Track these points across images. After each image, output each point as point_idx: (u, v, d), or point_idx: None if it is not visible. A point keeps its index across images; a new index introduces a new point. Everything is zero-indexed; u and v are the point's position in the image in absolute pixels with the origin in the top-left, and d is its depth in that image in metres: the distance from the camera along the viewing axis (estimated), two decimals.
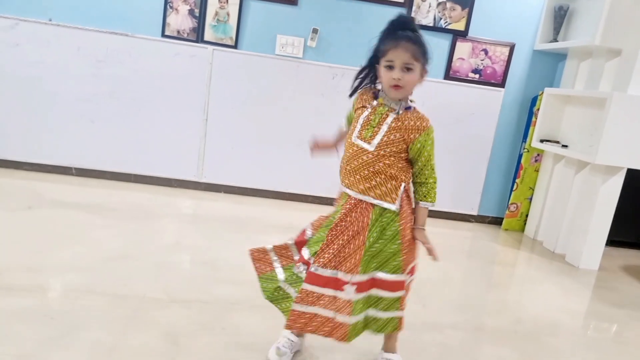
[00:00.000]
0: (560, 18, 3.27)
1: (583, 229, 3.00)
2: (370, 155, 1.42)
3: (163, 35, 3.25)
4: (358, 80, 1.53)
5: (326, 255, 1.40)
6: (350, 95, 1.56)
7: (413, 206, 1.51)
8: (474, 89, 3.44)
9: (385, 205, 1.42)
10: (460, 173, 3.58)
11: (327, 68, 3.35)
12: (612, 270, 3.06)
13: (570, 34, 3.30)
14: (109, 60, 3.25)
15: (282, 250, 1.56)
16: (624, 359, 1.98)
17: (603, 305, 2.51)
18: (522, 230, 3.65)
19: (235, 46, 3.29)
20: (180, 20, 3.24)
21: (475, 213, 3.69)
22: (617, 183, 2.92)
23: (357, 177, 1.43)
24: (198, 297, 1.93)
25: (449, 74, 3.40)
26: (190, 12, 3.23)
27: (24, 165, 3.35)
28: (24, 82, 3.22)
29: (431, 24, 3.30)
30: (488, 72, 3.43)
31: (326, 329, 1.42)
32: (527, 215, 3.62)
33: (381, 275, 1.45)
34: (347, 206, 1.44)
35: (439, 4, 3.29)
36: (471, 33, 3.36)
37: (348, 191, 1.46)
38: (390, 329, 1.51)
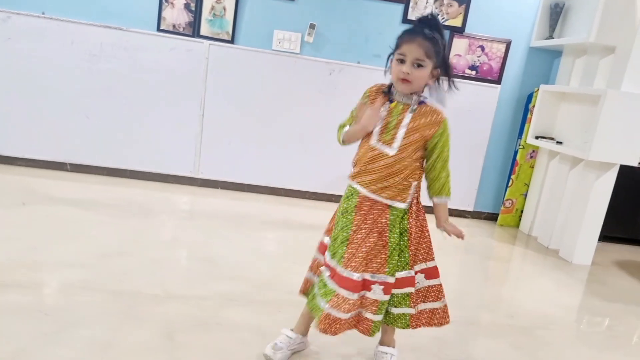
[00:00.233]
0: (556, 15, 3.28)
1: (576, 225, 3.03)
2: (392, 159, 1.42)
3: (158, 29, 3.23)
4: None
5: (357, 260, 1.43)
6: None
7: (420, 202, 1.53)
8: (470, 86, 3.45)
9: (396, 204, 1.45)
10: (457, 169, 3.54)
11: (324, 64, 3.35)
12: (604, 265, 3.10)
13: (566, 31, 3.31)
14: (104, 55, 3.22)
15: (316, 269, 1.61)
16: (616, 352, 2.01)
17: (596, 299, 2.54)
18: (517, 226, 3.67)
19: (231, 41, 3.28)
20: (176, 14, 3.21)
21: (471, 209, 3.71)
22: (610, 179, 2.95)
23: (374, 177, 1.43)
24: (194, 293, 1.94)
25: None
26: (186, 6, 3.21)
27: (17, 160, 3.33)
28: (17, 76, 3.19)
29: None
30: (485, 68, 3.44)
31: (354, 324, 1.49)
32: (522, 211, 3.64)
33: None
34: (364, 207, 1.45)
35: (436, 0, 3.29)
36: (468, 29, 3.36)
37: (361, 189, 1.45)
38: (401, 325, 1.54)
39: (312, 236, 2.84)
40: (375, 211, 1.44)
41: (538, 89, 3.39)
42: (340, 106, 3.57)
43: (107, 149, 3.36)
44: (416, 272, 1.52)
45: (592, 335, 2.15)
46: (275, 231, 2.84)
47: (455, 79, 1.47)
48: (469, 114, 3.49)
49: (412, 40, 1.37)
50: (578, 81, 3.24)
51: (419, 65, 1.38)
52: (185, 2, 3.20)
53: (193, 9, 3.21)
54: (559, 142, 3.25)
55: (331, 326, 1.43)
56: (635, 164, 2.91)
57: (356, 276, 1.42)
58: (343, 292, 1.42)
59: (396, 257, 1.46)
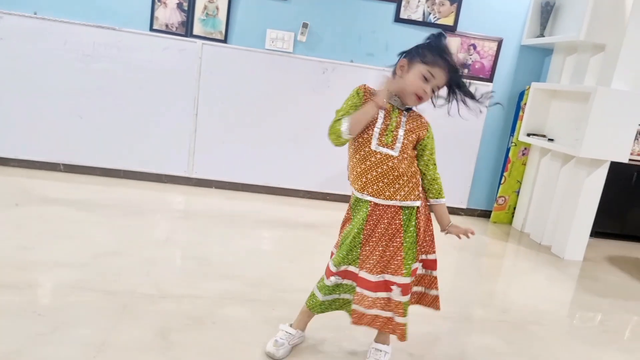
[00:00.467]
0: (546, 13, 3.31)
1: (568, 221, 3.06)
2: (395, 161, 1.45)
3: (151, 29, 3.22)
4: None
5: (371, 262, 1.47)
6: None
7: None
8: None
9: (411, 203, 1.48)
10: (450, 167, 3.61)
11: (318, 63, 3.36)
12: (596, 261, 3.13)
13: (557, 29, 3.34)
14: (97, 55, 3.22)
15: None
16: (608, 346, 2.04)
17: (587, 294, 2.57)
18: (510, 222, 3.71)
19: (225, 40, 3.28)
20: (169, 14, 3.21)
21: (464, 206, 3.74)
22: (601, 176, 2.98)
23: (381, 184, 1.45)
24: (189, 292, 1.94)
25: None
26: (179, 5, 3.20)
27: (10, 161, 3.31)
28: (9, 77, 3.18)
29: (420, 19, 3.32)
30: (477, 66, 3.46)
31: (390, 326, 1.53)
32: (514, 208, 3.67)
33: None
34: (374, 216, 1.47)
35: None
36: (460, 28, 3.39)
37: (373, 199, 1.46)
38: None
39: (307, 235, 2.86)
40: (387, 215, 1.47)
41: (529, 87, 3.42)
42: (333, 105, 3.57)
43: (100, 149, 3.35)
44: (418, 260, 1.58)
45: (584, 330, 2.17)
46: (270, 230, 2.85)
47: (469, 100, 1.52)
48: (462, 112, 3.51)
49: (445, 68, 1.41)
50: (569, 79, 3.27)
51: (434, 92, 1.45)
52: (177, 1, 3.20)
53: (186, 8, 3.21)
54: (551, 140, 3.28)
55: (361, 319, 1.52)
56: (626, 160, 2.95)
57: (375, 278, 1.48)
58: (363, 292, 1.50)
59: (411, 256, 1.50)
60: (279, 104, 3.41)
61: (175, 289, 1.95)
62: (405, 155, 1.46)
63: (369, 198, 1.46)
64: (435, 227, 1.61)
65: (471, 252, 3.02)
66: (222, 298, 1.93)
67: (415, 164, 1.52)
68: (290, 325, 1.65)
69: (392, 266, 1.48)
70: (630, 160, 3.31)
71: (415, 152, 1.52)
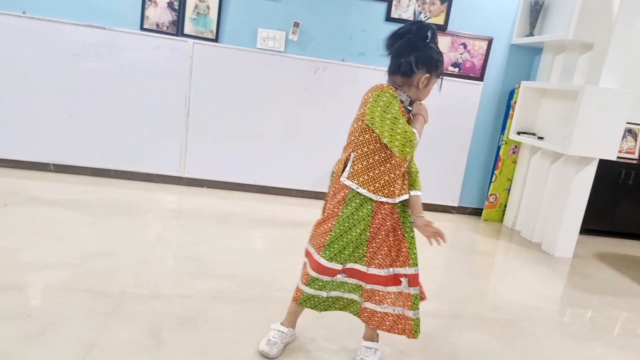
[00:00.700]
0: (536, 13, 3.34)
1: (558, 219, 3.09)
2: (408, 163, 1.54)
3: (142, 28, 3.21)
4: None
5: (379, 257, 1.51)
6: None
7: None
8: (453, 83, 3.49)
9: (404, 197, 1.53)
10: (441, 165, 3.64)
11: (309, 62, 3.36)
12: (585, 258, 3.17)
13: (546, 28, 3.37)
14: (86, 54, 3.20)
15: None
16: (596, 342, 2.06)
17: (577, 291, 2.60)
18: (501, 220, 3.73)
19: (216, 40, 3.27)
20: (160, 13, 3.20)
21: (456, 204, 3.76)
22: (589, 173, 3.01)
23: (397, 185, 1.50)
24: (180, 292, 1.94)
25: None
26: (170, 4, 3.19)
27: (0, 162, 3.28)
28: None
29: (411, 18, 3.33)
30: (467, 65, 3.49)
31: (400, 325, 1.56)
32: (505, 206, 3.70)
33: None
34: (379, 214, 1.50)
35: None
36: (450, 27, 3.40)
37: (386, 199, 1.48)
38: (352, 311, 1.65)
39: (299, 234, 2.86)
40: (388, 211, 1.50)
41: (519, 86, 3.45)
42: (325, 104, 3.61)
43: (91, 149, 3.33)
44: None
45: (574, 326, 2.20)
46: (262, 229, 2.85)
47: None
48: (453, 110, 3.54)
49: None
50: (558, 77, 3.30)
51: None
52: (168, 0, 3.18)
53: (176, 7, 3.20)
54: (540, 138, 3.31)
55: (371, 318, 1.56)
56: (614, 158, 2.98)
57: (384, 272, 1.51)
58: (373, 287, 1.52)
59: (414, 245, 1.53)
60: (270, 103, 3.41)
61: (166, 289, 1.95)
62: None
63: (384, 199, 1.48)
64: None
65: (462, 250, 3.04)
66: (213, 297, 1.93)
67: None
68: (282, 324, 1.65)
69: (401, 258, 1.52)
70: (618, 157, 3.36)
71: None
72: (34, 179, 3.16)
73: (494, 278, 2.73)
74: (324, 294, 1.54)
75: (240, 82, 3.35)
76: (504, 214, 3.71)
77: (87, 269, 2.02)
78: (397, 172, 1.49)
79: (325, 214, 1.54)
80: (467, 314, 2.13)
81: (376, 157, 1.46)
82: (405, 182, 1.55)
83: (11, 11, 3.08)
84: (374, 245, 1.51)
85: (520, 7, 3.41)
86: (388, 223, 1.51)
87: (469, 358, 1.77)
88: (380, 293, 1.53)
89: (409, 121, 1.48)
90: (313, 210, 3.38)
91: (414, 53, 1.43)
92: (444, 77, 1.54)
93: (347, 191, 1.49)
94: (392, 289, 1.54)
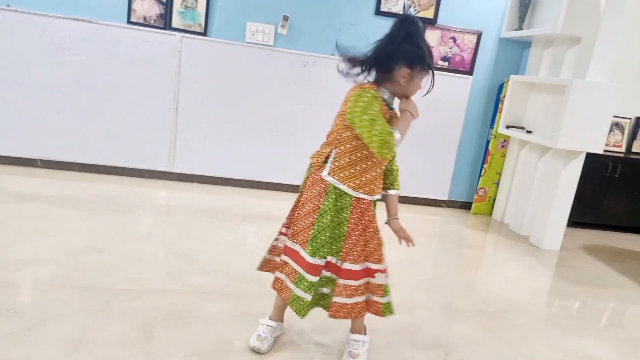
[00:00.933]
0: (525, 7, 3.35)
1: (545, 212, 3.13)
2: (388, 161, 1.55)
3: (129, 22, 3.17)
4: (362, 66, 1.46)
5: (355, 253, 1.50)
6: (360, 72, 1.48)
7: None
8: (443, 77, 3.50)
9: (377, 197, 1.55)
10: (431, 159, 3.65)
11: (299, 56, 3.35)
12: (572, 250, 3.21)
13: (534, 22, 3.39)
14: (73, 48, 3.15)
15: (283, 267, 1.60)
16: (582, 333, 2.09)
17: (564, 283, 2.64)
18: (491, 214, 3.77)
19: (204, 33, 3.24)
20: (147, 6, 3.16)
21: (445, 198, 3.78)
22: (577, 167, 3.05)
23: (378, 183, 1.52)
24: (169, 287, 1.94)
25: None
26: None
27: None
28: None
29: (401, 12, 3.33)
30: (457, 59, 3.49)
31: (365, 309, 1.59)
32: (494, 200, 3.73)
33: None
34: (357, 210, 1.49)
35: None
36: (440, 21, 3.41)
37: (365, 196, 1.48)
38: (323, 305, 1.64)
39: None
40: (364, 207, 1.50)
41: (508, 80, 3.46)
42: (314, 98, 3.60)
43: (79, 144, 3.30)
44: None
45: (560, 317, 2.23)
46: (252, 224, 2.85)
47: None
48: (442, 104, 3.55)
49: (433, 66, 1.49)
50: (546, 71, 3.32)
51: None
52: None
53: (164, 1, 3.17)
54: (529, 132, 3.34)
55: (339, 311, 1.53)
56: (601, 152, 3.01)
57: (358, 267, 1.51)
58: (346, 282, 1.51)
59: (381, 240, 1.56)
60: (260, 98, 3.39)
61: (156, 285, 1.94)
62: None
63: (363, 196, 1.48)
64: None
65: (451, 243, 3.07)
66: (203, 293, 1.93)
67: None
68: (270, 319, 1.66)
69: (375, 256, 1.52)
70: (605, 151, 3.40)
71: None
72: (21, 175, 3.12)
73: (482, 271, 2.76)
74: (308, 297, 1.50)
75: (230, 76, 3.33)
76: (493, 208, 3.75)
77: (76, 265, 2.01)
78: (379, 171, 1.50)
79: (306, 209, 1.52)
80: (456, 306, 2.15)
81: (358, 155, 1.45)
82: (382, 180, 1.57)
83: None
84: (350, 241, 1.50)
85: (510, 1, 3.42)
86: (365, 219, 1.50)
87: (457, 350, 1.79)
88: (353, 287, 1.53)
89: (391, 120, 1.47)
90: None
91: (392, 48, 1.41)
92: (434, 71, 1.49)
93: (327, 185, 1.49)
94: (364, 280, 1.55)
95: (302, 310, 1.51)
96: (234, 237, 2.59)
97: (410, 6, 3.34)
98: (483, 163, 3.67)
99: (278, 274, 1.61)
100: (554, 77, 3.16)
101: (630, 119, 3.91)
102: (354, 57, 1.45)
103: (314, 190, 1.51)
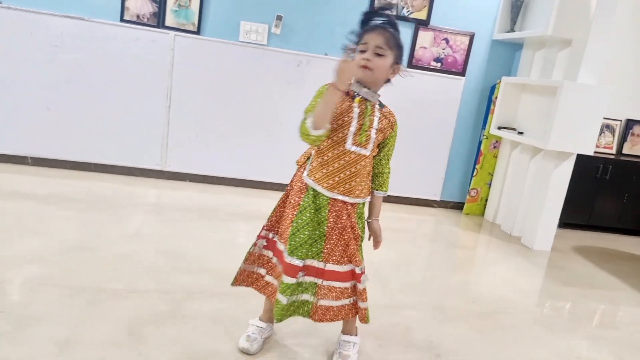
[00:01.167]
0: (516, 9, 3.37)
1: (537, 213, 3.14)
2: (368, 160, 1.47)
3: (122, 19, 3.15)
4: None
5: (337, 254, 1.48)
6: None
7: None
8: (435, 77, 3.51)
9: (362, 200, 1.51)
10: (423, 160, 3.67)
11: (292, 55, 3.34)
12: (563, 251, 3.23)
13: (526, 24, 3.41)
14: (65, 46, 3.13)
15: (266, 264, 1.58)
16: (572, 333, 2.10)
17: (555, 284, 2.65)
18: (483, 214, 3.78)
19: (197, 32, 3.23)
20: (140, 4, 3.14)
21: (438, 198, 3.80)
22: (567, 168, 3.07)
23: (354, 183, 1.45)
24: (158, 287, 1.92)
25: (412, 62, 3.45)
26: None
27: None
28: None
29: (394, 13, 3.34)
30: (449, 60, 3.51)
31: (354, 310, 1.55)
32: (486, 200, 3.75)
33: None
34: (335, 210, 1.46)
35: None
36: (433, 22, 3.42)
37: (343, 197, 1.45)
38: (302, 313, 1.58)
39: None
40: (347, 210, 1.47)
41: (500, 81, 3.48)
42: (307, 97, 3.57)
43: (70, 142, 3.27)
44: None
45: (550, 318, 2.24)
46: (243, 223, 2.84)
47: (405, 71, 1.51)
48: (435, 105, 3.56)
49: (372, 30, 1.41)
50: (538, 73, 3.34)
51: (380, 55, 1.40)
52: None
53: None
54: (520, 133, 3.36)
55: (325, 314, 1.50)
56: (591, 153, 3.03)
57: (343, 268, 1.49)
58: (331, 284, 1.49)
59: (361, 244, 1.54)
60: (253, 97, 3.39)
61: (145, 284, 1.93)
62: (373, 154, 1.49)
63: (339, 197, 1.45)
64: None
65: (443, 244, 3.07)
66: (192, 292, 1.92)
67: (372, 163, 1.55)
68: (260, 319, 1.65)
69: (357, 258, 1.50)
70: (596, 152, 3.43)
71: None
72: (11, 173, 3.09)
73: (474, 271, 2.77)
74: (284, 300, 1.45)
75: (223, 75, 3.32)
76: (485, 208, 3.76)
77: (64, 264, 1.99)
78: (353, 170, 1.44)
79: (289, 207, 1.51)
80: (447, 307, 2.16)
81: (329, 154, 1.44)
82: (368, 183, 1.52)
83: None
84: (330, 242, 1.47)
85: (502, 3, 3.44)
86: (344, 219, 1.46)
87: (448, 350, 1.79)
88: (339, 289, 1.50)
89: (347, 109, 1.43)
90: None
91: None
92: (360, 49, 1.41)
93: (306, 185, 1.49)
94: (350, 284, 1.52)
95: (278, 313, 1.47)
96: (224, 236, 2.58)
97: (403, 7, 3.35)
98: (475, 164, 3.69)
99: (268, 277, 1.59)
100: (545, 79, 3.18)
101: (620, 120, 3.95)
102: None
103: (295, 187, 1.51)
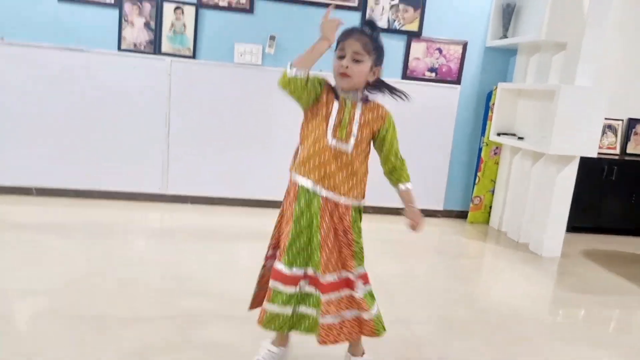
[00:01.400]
0: (508, 15, 3.39)
1: (543, 218, 3.09)
2: (350, 156, 1.43)
3: (119, 49, 3.21)
4: None
5: (332, 262, 1.44)
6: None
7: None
8: (431, 87, 3.52)
9: (356, 202, 1.48)
10: (424, 170, 3.64)
11: None
12: (573, 256, 3.16)
13: (519, 30, 3.41)
14: (65, 77, 3.19)
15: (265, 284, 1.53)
16: (588, 342, 2.03)
17: (566, 291, 2.59)
18: (487, 222, 3.73)
19: (193, 56, 3.28)
20: (136, 33, 3.21)
21: (441, 208, 3.76)
22: (571, 171, 3.03)
23: (339, 179, 1.42)
24: (164, 313, 1.91)
25: (406, 74, 3.47)
26: (146, 24, 3.20)
27: None
28: None
29: (386, 26, 3.37)
30: (444, 70, 3.52)
31: (358, 328, 1.48)
32: (490, 208, 3.71)
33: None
34: (327, 213, 1.43)
35: (392, 6, 3.36)
36: (425, 33, 3.44)
37: (329, 194, 1.42)
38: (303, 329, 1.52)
39: None
40: (340, 211, 1.44)
41: (496, 87, 3.48)
42: None
43: (73, 170, 3.31)
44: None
45: (564, 327, 2.17)
46: (247, 243, 2.83)
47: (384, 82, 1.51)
48: (432, 115, 3.56)
49: (349, 36, 1.41)
50: (534, 77, 3.33)
51: (358, 61, 1.39)
52: (145, 20, 3.20)
53: (153, 27, 3.21)
54: (520, 138, 3.33)
55: (328, 335, 1.43)
56: (595, 155, 2.99)
57: (336, 276, 1.45)
58: (329, 297, 1.44)
59: (359, 249, 1.49)
60: (250, 117, 3.41)
61: (150, 311, 1.91)
62: (359, 151, 1.44)
63: (325, 194, 1.42)
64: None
65: (450, 254, 3.03)
66: (198, 316, 1.90)
67: (367, 163, 1.50)
68: (273, 344, 1.59)
69: (349, 264, 1.45)
70: (599, 154, 3.38)
71: (371, 148, 1.49)
72: (16, 204, 3.13)
73: (482, 281, 2.72)
74: (288, 310, 1.43)
75: (220, 97, 3.36)
76: (489, 216, 3.72)
77: (69, 294, 1.99)
78: (336, 165, 1.41)
79: (285, 219, 1.49)
80: (456, 320, 2.10)
81: (311, 150, 1.43)
82: (364, 188, 1.48)
83: None
84: (326, 249, 1.43)
85: (493, 10, 3.45)
86: (336, 222, 1.43)
87: None
88: (335, 301, 1.45)
89: (327, 104, 1.45)
90: None
91: None
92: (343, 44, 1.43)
93: (297, 187, 1.45)
94: (346, 292, 1.47)
95: (285, 325, 1.44)
96: (228, 258, 2.57)
97: (394, 20, 3.38)
98: (476, 171, 3.66)
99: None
100: (542, 83, 3.17)
101: (622, 120, 3.91)
102: None
103: (289, 198, 1.49)
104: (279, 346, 1.59)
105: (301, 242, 1.43)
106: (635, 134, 3.92)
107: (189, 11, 3.21)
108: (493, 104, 3.50)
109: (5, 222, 2.79)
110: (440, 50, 3.47)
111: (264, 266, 1.57)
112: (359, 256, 1.48)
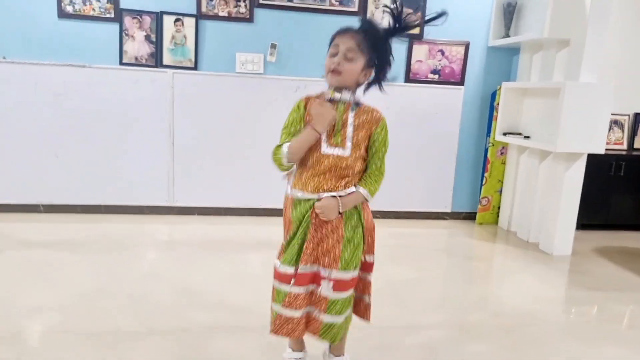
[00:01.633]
0: (509, 14, 3.37)
1: (553, 216, 3.07)
2: (349, 160, 1.40)
3: (121, 63, 3.22)
4: None
5: (308, 252, 1.40)
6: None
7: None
8: (434, 89, 3.51)
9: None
10: (430, 172, 3.63)
11: (289, 81, 3.37)
12: (584, 254, 3.13)
13: (521, 28, 3.39)
14: (68, 93, 3.20)
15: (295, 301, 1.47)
16: (605, 341, 2.01)
17: (579, 289, 2.56)
18: (496, 222, 3.71)
19: (195, 68, 3.28)
20: (137, 46, 3.21)
21: (449, 210, 3.74)
22: (579, 168, 3.00)
23: (339, 184, 1.40)
24: (176, 326, 1.90)
25: (409, 77, 3.46)
26: (147, 37, 3.21)
27: None
28: None
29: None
30: (446, 71, 3.50)
31: (303, 326, 1.45)
32: (499, 208, 3.68)
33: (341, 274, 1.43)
34: (314, 214, 1.41)
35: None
36: (426, 35, 3.43)
37: (324, 194, 1.39)
38: (344, 333, 1.51)
39: None
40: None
41: (500, 87, 3.46)
42: None
43: (79, 186, 3.31)
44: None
45: (579, 326, 2.15)
46: (255, 253, 2.82)
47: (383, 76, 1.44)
48: (436, 117, 3.54)
49: (344, 33, 1.37)
50: (538, 76, 3.31)
51: (350, 59, 1.35)
52: (145, 34, 3.20)
53: (154, 40, 3.22)
54: (527, 137, 3.31)
55: (282, 327, 1.42)
56: (602, 152, 2.97)
57: (309, 268, 1.41)
58: (298, 290, 1.41)
59: (348, 253, 1.43)
60: (254, 125, 3.41)
61: (162, 324, 1.90)
62: (358, 155, 1.41)
63: (308, 195, 1.40)
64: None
65: (460, 256, 3.01)
66: (211, 329, 1.89)
67: (363, 163, 1.46)
68: (292, 349, 1.58)
69: (327, 259, 1.41)
70: (607, 150, 3.35)
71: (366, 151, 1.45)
72: (24, 222, 3.13)
73: (493, 283, 2.69)
74: (297, 314, 1.41)
75: (223, 108, 3.35)
76: (498, 216, 3.69)
77: (80, 310, 1.98)
78: (335, 173, 1.40)
79: (285, 227, 1.51)
80: (470, 323, 2.09)
81: (309, 162, 1.42)
82: (351, 180, 1.43)
83: None
84: (312, 243, 1.41)
85: (494, 10, 3.44)
86: (326, 224, 1.40)
87: None
88: (302, 295, 1.43)
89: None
90: None
91: None
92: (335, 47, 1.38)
93: (293, 199, 1.46)
94: (311, 287, 1.44)
95: (297, 329, 1.41)
96: (237, 268, 2.56)
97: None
98: (483, 172, 3.64)
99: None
100: (547, 81, 3.15)
101: (628, 115, 3.88)
102: None
103: (286, 208, 1.50)
104: (298, 349, 1.58)
105: (297, 243, 1.43)
106: None
107: (189, 22, 3.22)
108: (497, 104, 3.48)
109: (14, 240, 2.79)
110: (442, 52, 3.46)
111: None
112: (343, 259, 1.41)
